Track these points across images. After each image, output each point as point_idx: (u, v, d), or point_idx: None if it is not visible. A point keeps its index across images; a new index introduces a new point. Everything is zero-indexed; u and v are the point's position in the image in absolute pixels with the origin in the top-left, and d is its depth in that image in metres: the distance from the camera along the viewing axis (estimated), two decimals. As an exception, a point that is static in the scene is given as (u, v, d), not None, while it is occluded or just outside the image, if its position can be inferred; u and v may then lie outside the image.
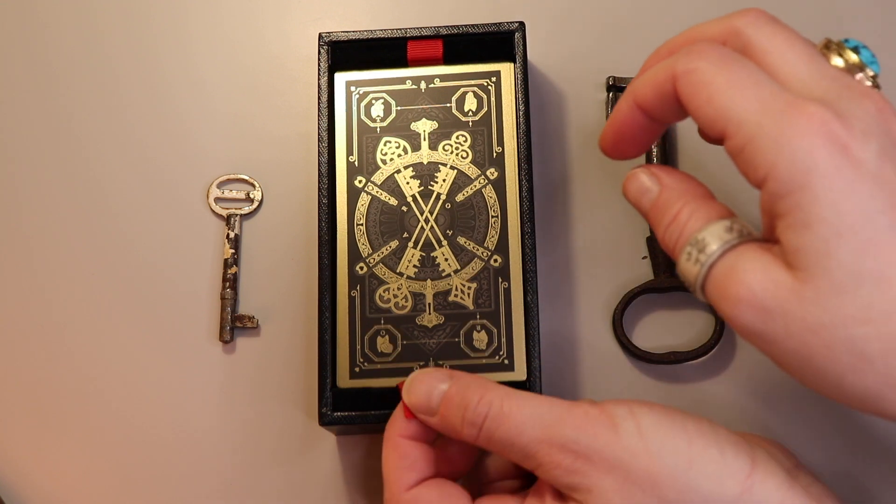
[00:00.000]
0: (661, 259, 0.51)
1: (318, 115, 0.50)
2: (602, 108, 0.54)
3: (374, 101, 0.51)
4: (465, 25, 0.50)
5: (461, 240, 0.49)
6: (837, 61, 0.40)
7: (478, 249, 0.49)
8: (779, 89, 0.37)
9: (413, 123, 0.51)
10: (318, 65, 0.50)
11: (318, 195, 0.50)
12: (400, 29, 0.50)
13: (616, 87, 0.54)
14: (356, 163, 0.51)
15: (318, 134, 0.50)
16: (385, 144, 0.51)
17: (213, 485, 0.52)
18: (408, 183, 0.50)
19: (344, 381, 0.49)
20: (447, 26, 0.50)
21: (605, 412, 0.41)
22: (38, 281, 0.54)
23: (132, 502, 0.52)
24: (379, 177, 0.50)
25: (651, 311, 0.52)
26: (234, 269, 0.54)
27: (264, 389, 0.53)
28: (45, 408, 0.53)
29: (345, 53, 0.51)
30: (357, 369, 0.48)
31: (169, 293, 0.54)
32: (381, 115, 0.51)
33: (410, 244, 0.50)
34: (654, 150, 0.52)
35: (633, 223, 0.53)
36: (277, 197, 0.55)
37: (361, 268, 0.50)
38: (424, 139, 0.51)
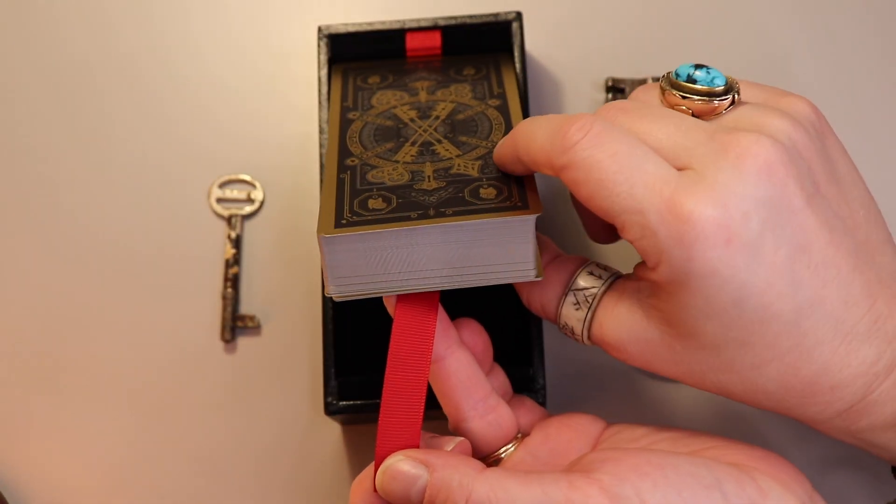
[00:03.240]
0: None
1: (319, 107, 0.50)
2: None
3: (371, 74, 0.51)
4: (464, 16, 0.51)
5: (463, 138, 0.46)
6: (679, 98, 0.40)
7: (481, 143, 0.46)
8: (658, 173, 0.38)
9: (410, 83, 0.50)
10: (318, 57, 0.51)
11: (320, 186, 0.50)
12: (398, 21, 0.51)
13: (616, 89, 0.54)
14: (350, 105, 0.49)
15: (319, 125, 0.50)
16: (381, 94, 0.50)
17: (216, 483, 0.51)
18: (405, 113, 0.48)
19: (328, 229, 0.41)
20: (445, 17, 0.51)
21: (608, 495, 0.37)
22: (39, 280, 0.54)
23: (133, 501, 0.51)
24: (373, 112, 0.49)
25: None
26: (235, 269, 0.54)
27: (266, 388, 0.52)
28: (46, 407, 0.52)
29: (343, 46, 0.51)
30: (344, 221, 0.42)
31: (170, 293, 0.54)
32: (379, 81, 0.51)
33: (408, 144, 0.47)
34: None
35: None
36: (278, 197, 0.55)
37: (353, 160, 0.46)
38: (422, 90, 0.50)
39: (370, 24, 0.51)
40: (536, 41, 0.55)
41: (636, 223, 0.37)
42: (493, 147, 0.45)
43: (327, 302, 0.49)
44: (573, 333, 0.43)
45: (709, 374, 0.40)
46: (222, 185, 0.55)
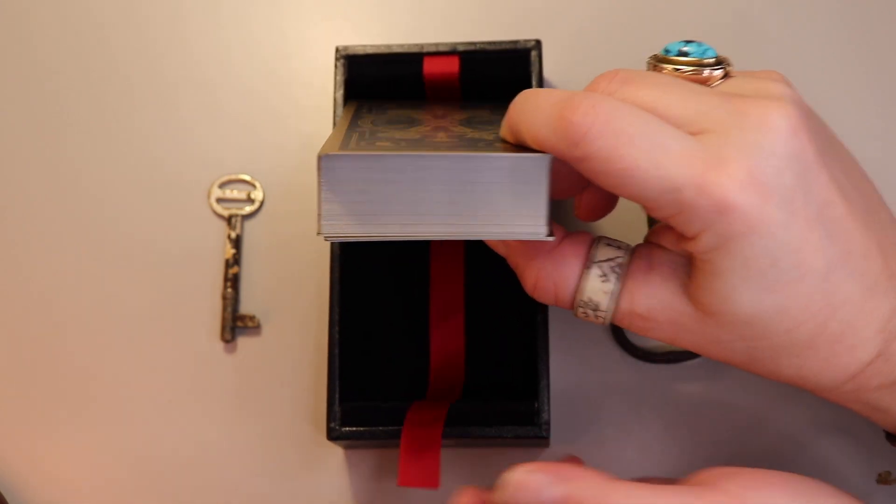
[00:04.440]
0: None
1: (333, 127, 0.50)
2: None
3: (389, 105, 0.49)
4: (482, 42, 0.50)
5: (477, 129, 0.44)
6: (671, 70, 0.40)
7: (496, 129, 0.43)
8: (683, 147, 0.37)
9: (427, 107, 0.49)
10: (335, 78, 0.50)
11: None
12: (416, 45, 0.50)
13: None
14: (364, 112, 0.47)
15: (331, 147, 0.50)
16: (396, 110, 0.48)
17: (216, 482, 0.52)
18: (420, 116, 0.47)
19: (331, 148, 0.39)
20: (464, 43, 0.50)
21: (741, 500, 0.38)
22: (39, 281, 0.54)
23: (132, 501, 0.52)
24: (386, 116, 0.47)
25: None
26: (235, 269, 0.54)
27: (266, 389, 0.53)
28: (46, 407, 0.53)
29: (360, 67, 0.50)
30: (350, 146, 0.39)
31: (170, 293, 0.54)
32: (395, 107, 0.49)
33: (421, 126, 0.44)
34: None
35: (633, 223, 0.54)
36: (278, 197, 0.55)
37: (363, 126, 0.44)
38: (438, 109, 0.48)
39: (388, 46, 0.50)
40: (552, 65, 0.54)
41: (672, 201, 0.37)
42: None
43: (332, 325, 0.49)
44: (596, 310, 0.41)
45: (737, 344, 0.40)
46: (222, 185, 0.55)
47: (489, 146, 0.39)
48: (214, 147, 0.55)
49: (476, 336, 0.52)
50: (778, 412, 0.51)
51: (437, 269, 0.53)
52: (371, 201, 0.38)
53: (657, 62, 0.41)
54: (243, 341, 0.54)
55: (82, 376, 0.53)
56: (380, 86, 0.51)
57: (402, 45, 0.50)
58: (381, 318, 0.52)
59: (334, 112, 0.50)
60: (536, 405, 0.48)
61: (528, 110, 0.39)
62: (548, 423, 0.48)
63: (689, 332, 0.40)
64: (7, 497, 0.52)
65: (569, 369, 0.52)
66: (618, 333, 0.52)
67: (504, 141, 0.41)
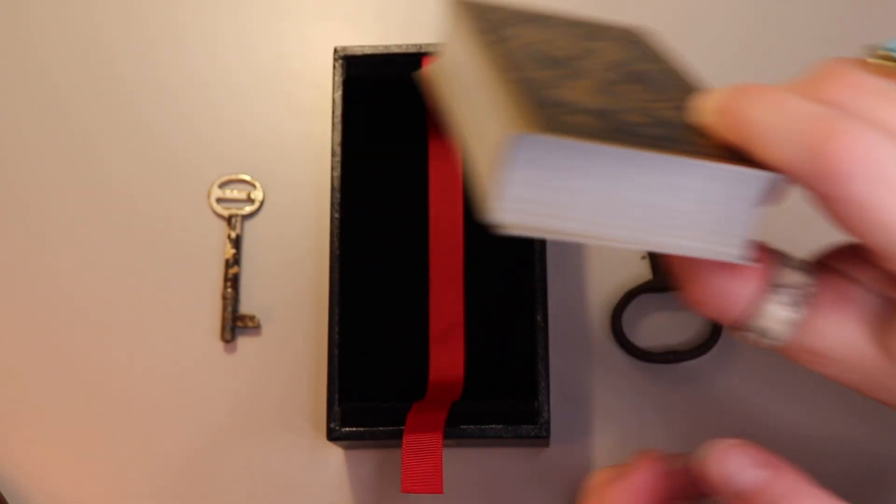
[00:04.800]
0: (661, 259, 0.52)
1: (332, 130, 0.50)
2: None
3: (493, 11, 0.41)
4: (481, 42, 0.50)
5: (640, 86, 0.37)
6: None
7: (668, 96, 0.37)
8: None
9: (547, 24, 0.41)
10: (333, 79, 0.50)
11: (331, 209, 0.50)
12: (415, 45, 0.50)
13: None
14: (482, 29, 0.38)
15: (332, 148, 0.50)
16: (518, 28, 0.40)
17: (216, 482, 0.52)
18: (558, 50, 0.39)
19: (529, 125, 0.31)
20: (463, 42, 0.50)
21: None
22: (40, 280, 0.54)
23: (132, 501, 0.52)
24: (516, 42, 0.38)
25: (650, 311, 0.53)
26: (235, 269, 0.54)
27: (266, 389, 0.53)
28: (46, 406, 0.53)
29: (359, 68, 0.50)
30: (549, 123, 0.31)
31: (170, 293, 0.54)
32: (508, 18, 0.41)
33: (580, 79, 0.37)
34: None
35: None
36: (278, 197, 0.55)
37: (517, 76, 0.35)
38: (565, 35, 0.40)
39: (387, 46, 0.50)
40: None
41: None
42: (686, 106, 0.35)
43: (332, 326, 0.49)
44: (766, 336, 0.36)
45: None
46: (222, 185, 0.55)
47: (689, 143, 0.33)
48: (214, 147, 0.55)
49: (476, 336, 0.52)
50: (778, 411, 0.51)
51: (437, 269, 0.53)
52: (562, 191, 0.32)
53: (885, 56, 0.33)
54: (243, 341, 0.54)
55: (82, 376, 0.53)
56: (379, 86, 0.51)
57: (400, 46, 0.50)
58: (381, 319, 0.52)
59: (333, 112, 0.50)
60: (536, 405, 0.48)
61: (766, 112, 0.32)
62: (548, 422, 0.48)
63: (862, 373, 0.36)
64: (7, 497, 0.52)
65: (569, 369, 0.52)
66: (618, 333, 0.52)
67: (699, 131, 0.34)
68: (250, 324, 0.53)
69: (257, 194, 0.55)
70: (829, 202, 0.32)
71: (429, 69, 0.40)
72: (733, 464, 0.36)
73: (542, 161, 0.31)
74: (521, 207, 0.32)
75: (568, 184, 0.32)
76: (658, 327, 0.53)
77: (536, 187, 0.32)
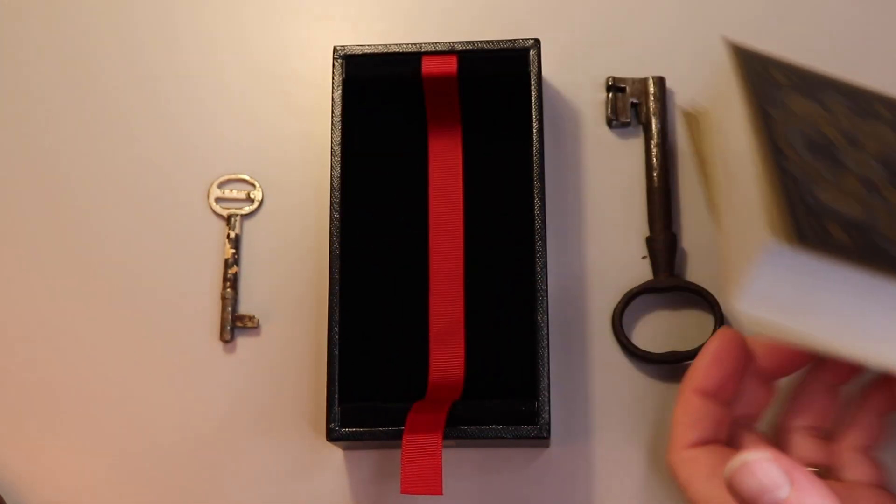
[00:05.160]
0: (661, 259, 0.52)
1: (332, 129, 0.50)
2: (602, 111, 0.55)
3: (770, 67, 0.43)
4: (481, 42, 0.50)
5: None
6: None
7: None
8: None
9: (822, 96, 0.42)
10: (332, 78, 0.50)
11: (330, 209, 0.50)
12: (414, 44, 0.50)
13: (616, 88, 0.54)
14: (763, 97, 0.40)
15: (332, 147, 0.50)
16: (798, 99, 0.41)
17: (215, 481, 0.52)
18: (830, 132, 0.40)
19: (788, 236, 0.33)
20: (462, 42, 0.50)
21: None
22: (38, 281, 0.54)
23: (131, 501, 0.52)
24: (795, 118, 0.40)
25: (650, 311, 0.53)
26: (234, 269, 0.54)
27: (265, 389, 0.53)
28: (45, 408, 0.53)
29: (359, 67, 0.50)
30: (806, 234, 0.33)
31: (170, 293, 0.54)
32: (786, 81, 0.42)
33: (848, 173, 0.38)
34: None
35: (632, 223, 0.54)
36: (278, 197, 0.55)
37: (788, 162, 0.37)
38: (840, 113, 0.42)
39: (386, 46, 0.50)
40: (551, 64, 0.54)
41: None
42: None
43: (332, 326, 0.49)
44: None
45: None
46: (222, 185, 0.55)
47: None
48: (214, 147, 0.55)
49: (476, 336, 0.52)
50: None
51: (437, 269, 0.53)
52: (803, 300, 0.34)
53: None
54: (243, 341, 0.54)
55: (82, 376, 0.53)
56: (379, 86, 0.51)
57: (400, 45, 0.50)
58: (381, 319, 0.52)
59: (333, 112, 0.50)
60: (536, 405, 0.48)
61: None
62: (548, 423, 0.48)
63: None
64: (7, 497, 0.52)
65: (569, 369, 0.52)
66: (618, 334, 0.52)
67: None
68: (249, 324, 0.53)
69: (257, 194, 0.55)
70: None
71: (696, 110, 0.42)
72: (767, 482, 0.36)
73: (795, 268, 0.33)
74: (765, 303, 0.34)
75: (816, 291, 0.33)
76: (658, 327, 0.53)
77: (784, 288, 0.33)
